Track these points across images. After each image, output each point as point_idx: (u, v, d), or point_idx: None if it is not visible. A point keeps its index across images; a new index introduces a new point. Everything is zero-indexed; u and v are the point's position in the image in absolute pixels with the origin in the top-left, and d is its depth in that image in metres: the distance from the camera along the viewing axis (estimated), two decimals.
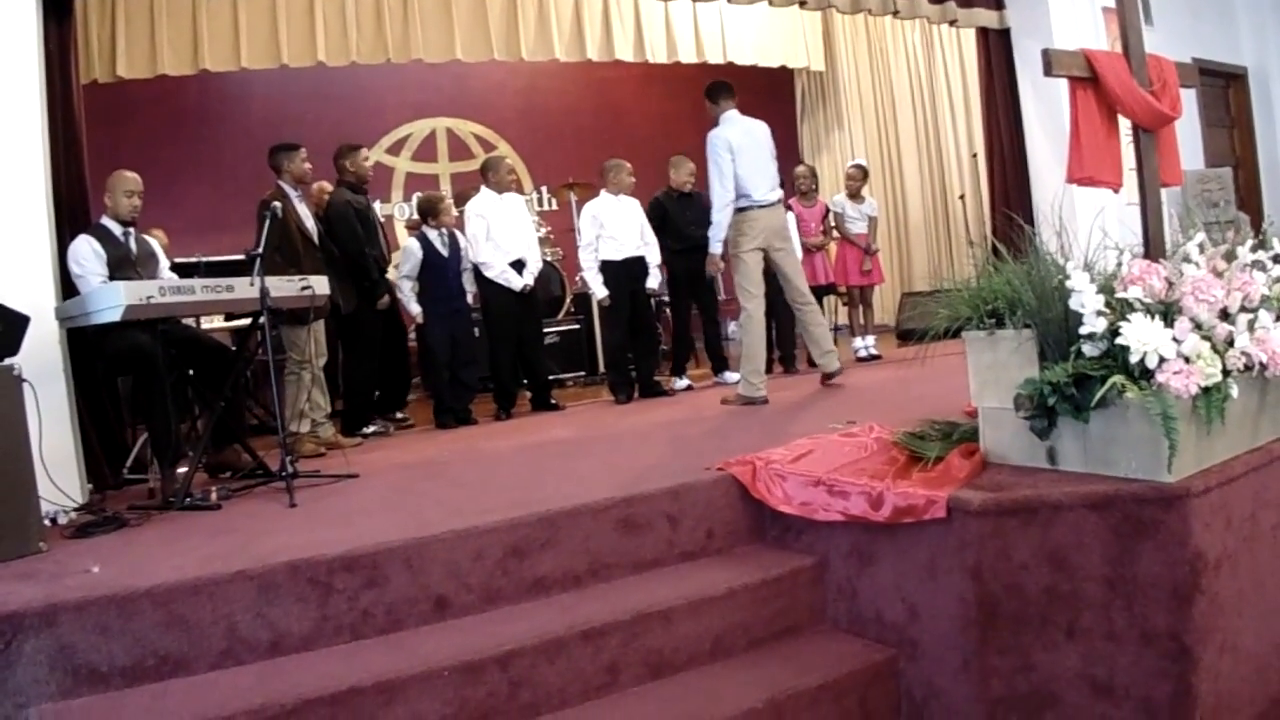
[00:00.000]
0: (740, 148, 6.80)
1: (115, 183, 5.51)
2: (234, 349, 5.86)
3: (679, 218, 8.26)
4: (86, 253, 5.27)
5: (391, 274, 7.59)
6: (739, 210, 6.82)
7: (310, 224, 6.62)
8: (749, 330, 6.88)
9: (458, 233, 7.65)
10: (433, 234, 7.44)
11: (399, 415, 7.67)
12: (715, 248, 6.97)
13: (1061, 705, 3.26)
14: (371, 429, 7.18)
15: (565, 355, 9.78)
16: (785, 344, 8.93)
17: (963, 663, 3.41)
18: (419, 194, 8.42)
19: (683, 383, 8.26)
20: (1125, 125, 4.03)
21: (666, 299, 10.27)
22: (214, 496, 4.81)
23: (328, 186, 7.44)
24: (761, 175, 6.90)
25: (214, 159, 10.92)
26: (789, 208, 9.02)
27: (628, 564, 3.88)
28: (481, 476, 4.97)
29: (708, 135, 6.94)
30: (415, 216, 8.12)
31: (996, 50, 9.51)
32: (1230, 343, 3.35)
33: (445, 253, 7.44)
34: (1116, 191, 4.10)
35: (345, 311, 6.86)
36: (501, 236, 7.52)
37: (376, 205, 11.81)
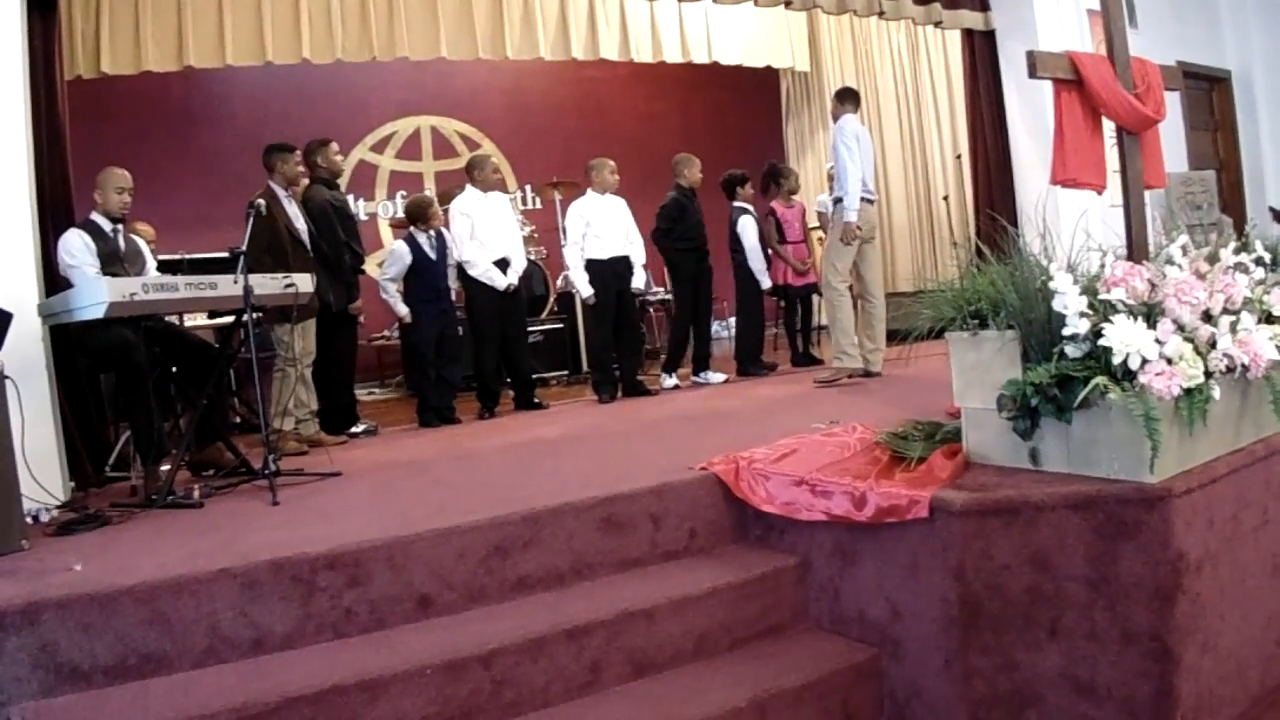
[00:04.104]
0: (861, 142, 7.46)
1: (106, 179, 5.48)
2: (217, 346, 5.84)
3: (693, 217, 8.35)
4: (79, 245, 5.25)
5: (374, 273, 7.55)
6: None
7: (300, 224, 6.58)
8: (840, 307, 7.42)
9: (445, 232, 7.63)
10: (421, 237, 7.41)
11: (360, 428, 7.28)
12: (851, 216, 7.38)
13: (1044, 705, 3.28)
14: (360, 428, 7.13)
15: (549, 354, 9.79)
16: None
17: (945, 662, 3.42)
18: (405, 196, 8.41)
19: (671, 381, 8.27)
20: (1109, 127, 4.05)
21: (651, 298, 10.32)
22: (197, 494, 4.80)
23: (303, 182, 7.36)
24: (870, 174, 7.56)
25: (198, 156, 10.89)
26: (772, 211, 9.11)
27: (611, 563, 3.88)
28: (465, 475, 4.96)
29: (837, 124, 7.67)
30: (401, 215, 8.07)
31: (981, 52, 9.53)
32: (1212, 344, 3.37)
33: (434, 255, 7.41)
34: (1100, 193, 4.12)
35: (336, 309, 6.80)
36: (486, 235, 7.50)
37: (360, 203, 11.88)
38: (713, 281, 8.63)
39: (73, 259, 5.22)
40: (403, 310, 7.43)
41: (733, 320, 9.20)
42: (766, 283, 8.69)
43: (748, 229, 8.65)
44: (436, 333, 7.38)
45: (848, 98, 7.82)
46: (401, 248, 7.48)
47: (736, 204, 8.81)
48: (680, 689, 3.41)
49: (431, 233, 7.47)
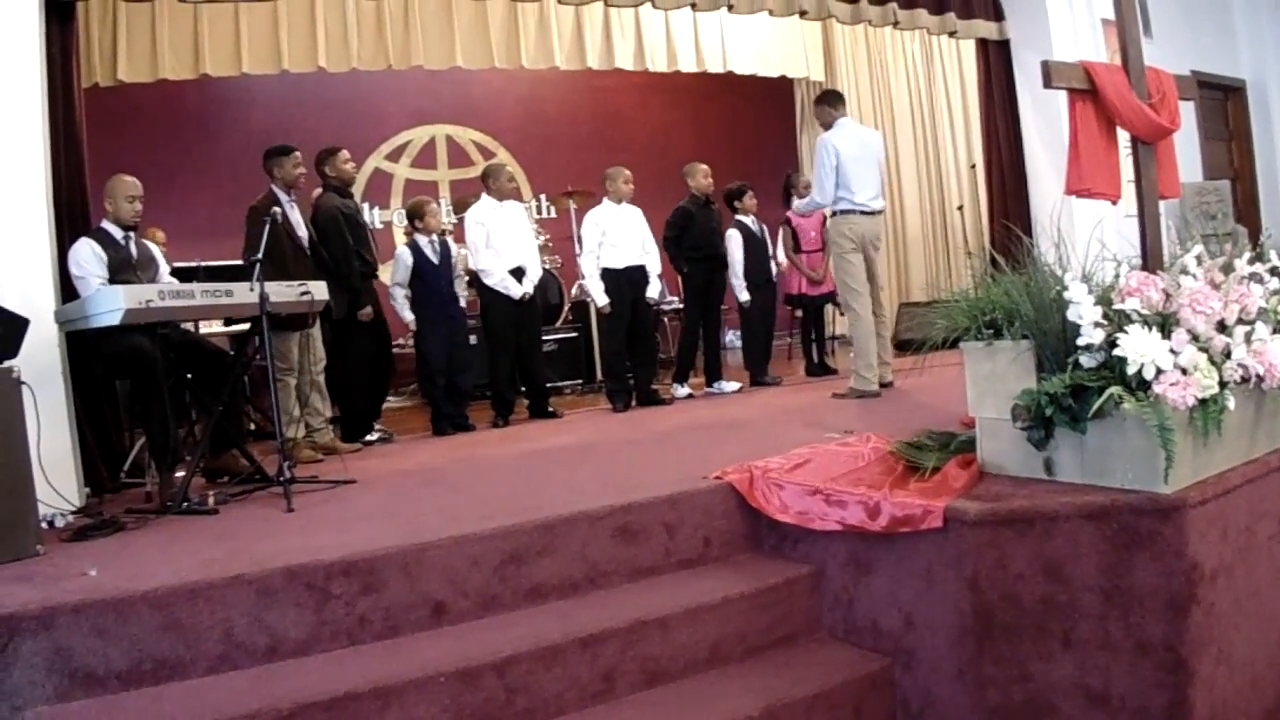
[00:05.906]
0: (848, 155, 7.20)
1: (116, 187, 5.50)
2: (232, 354, 5.85)
3: (703, 225, 8.32)
4: (87, 255, 5.27)
5: (386, 280, 7.57)
6: (841, 212, 7.27)
7: (302, 231, 6.57)
8: (858, 328, 7.21)
9: (449, 240, 7.64)
10: (423, 240, 7.42)
11: (377, 430, 7.31)
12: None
13: (1057, 715, 3.27)
14: (374, 436, 7.13)
15: (563, 363, 9.79)
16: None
17: (958, 672, 3.42)
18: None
19: (684, 391, 8.26)
20: (1124, 137, 4.04)
21: (666, 307, 10.31)
22: (211, 501, 4.81)
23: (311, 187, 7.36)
24: (865, 183, 7.28)
25: (214, 163, 10.92)
26: (788, 220, 9.09)
27: (625, 572, 3.88)
28: (479, 483, 4.97)
29: (819, 138, 7.43)
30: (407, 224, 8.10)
31: (996, 62, 9.53)
32: (1227, 354, 3.37)
33: (436, 260, 7.42)
34: (1115, 203, 4.11)
35: (336, 317, 6.79)
36: (501, 244, 7.51)
37: (375, 212, 11.91)
38: (725, 292, 8.62)
39: (79, 270, 5.25)
40: (408, 317, 7.44)
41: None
42: (744, 296, 8.57)
43: (732, 243, 8.59)
44: (445, 339, 7.39)
45: (833, 100, 7.62)
46: (404, 251, 7.49)
47: (736, 217, 8.77)
48: (693, 698, 3.41)
49: (434, 236, 7.48)
